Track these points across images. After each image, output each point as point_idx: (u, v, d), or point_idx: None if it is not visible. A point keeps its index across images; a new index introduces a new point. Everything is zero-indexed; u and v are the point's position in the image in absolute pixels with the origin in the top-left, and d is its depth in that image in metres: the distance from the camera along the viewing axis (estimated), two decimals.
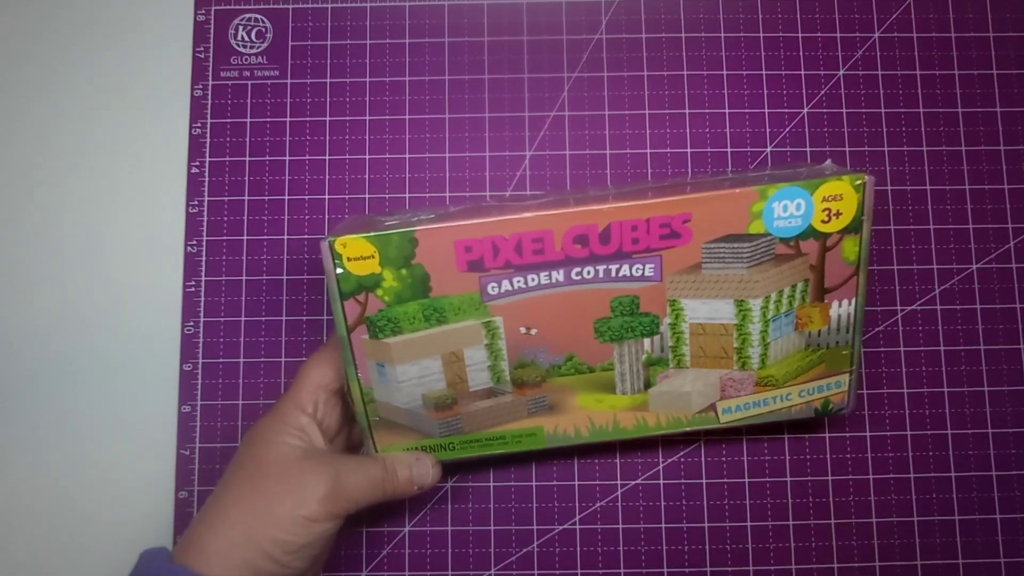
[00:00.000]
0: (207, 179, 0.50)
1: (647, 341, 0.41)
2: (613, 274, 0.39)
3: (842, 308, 0.41)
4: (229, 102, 0.50)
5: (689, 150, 0.50)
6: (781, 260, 0.40)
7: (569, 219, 0.38)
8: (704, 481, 0.47)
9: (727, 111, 0.50)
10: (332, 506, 0.38)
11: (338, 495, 0.38)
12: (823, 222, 0.39)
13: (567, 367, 0.41)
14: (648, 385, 0.42)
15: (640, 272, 0.39)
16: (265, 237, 0.49)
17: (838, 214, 0.39)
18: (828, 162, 0.42)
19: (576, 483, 0.47)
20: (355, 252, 0.38)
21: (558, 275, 0.39)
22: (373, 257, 0.38)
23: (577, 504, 0.47)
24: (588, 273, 0.39)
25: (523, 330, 0.40)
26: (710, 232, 0.39)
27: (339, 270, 0.38)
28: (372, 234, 0.38)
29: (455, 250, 0.38)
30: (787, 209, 0.39)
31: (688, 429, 0.43)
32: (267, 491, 0.37)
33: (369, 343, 0.39)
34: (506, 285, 0.39)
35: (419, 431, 0.42)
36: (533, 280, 0.39)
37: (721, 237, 0.39)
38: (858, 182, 0.39)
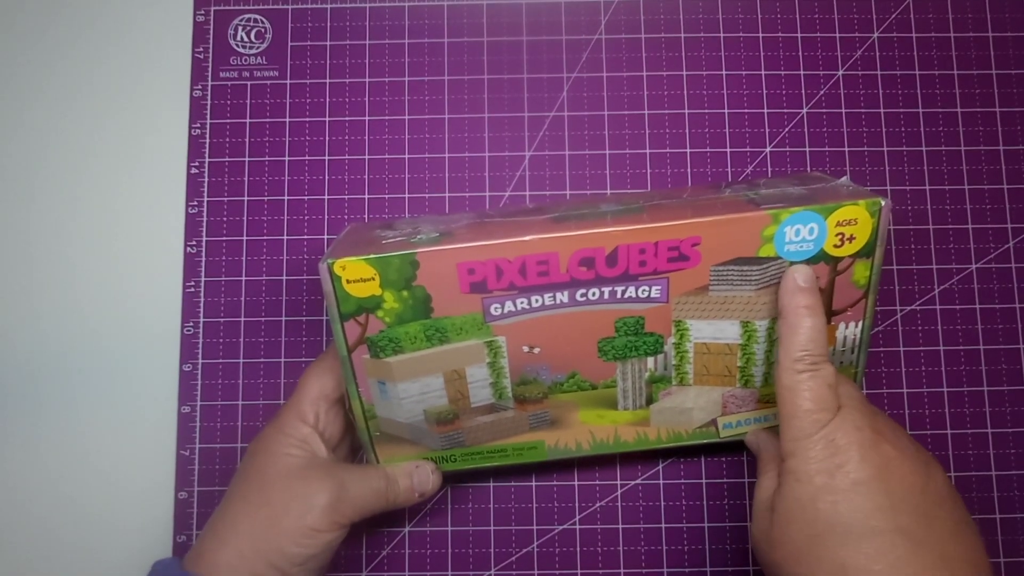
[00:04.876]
0: (206, 179, 0.50)
1: (650, 359, 0.40)
2: (619, 296, 0.38)
3: (848, 330, 0.40)
4: (228, 102, 0.50)
5: (688, 150, 0.50)
6: None
7: (575, 242, 0.37)
8: (704, 481, 0.47)
9: (726, 111, 0.50)
10: (337, 515, 0.38)
11: (342, 504, 0.38)
12: (835, 246, 0.38)
13: (569, 384, 0.41)
14: (650, 401, 0.42)
15: (646, 294, 0.38)
16: (264, 237, 0.49)
17: (851, 238, 0.38)
18: (845, 179, 0.41)
19: (576, 483, 0.47)
20: (355, 274, 0.37)
21: (563, 296, 0.38)
22: (373, 279, 0.37)
23: (577, 504, 0.47)
24: (593, 295, 0.38)
25: (526, 349, 0.39)
26: (719, 255, 0.38)
27: (338, 292, 0.37)
28: (372, 256, 0.37)
29: (457, 272, 0.37)
30: (799, 233, 0.37)
31: (688, 443, 0.43)
32: (273, 503, 0.38)
33: (370, 362, 0.39)
34: (509, 306, 0.38)
35: (421, 444, 0.42)
36: (537, 301, 0.38)
37: (730, 260, 0.38)
38: (874, 208, 0.37)
